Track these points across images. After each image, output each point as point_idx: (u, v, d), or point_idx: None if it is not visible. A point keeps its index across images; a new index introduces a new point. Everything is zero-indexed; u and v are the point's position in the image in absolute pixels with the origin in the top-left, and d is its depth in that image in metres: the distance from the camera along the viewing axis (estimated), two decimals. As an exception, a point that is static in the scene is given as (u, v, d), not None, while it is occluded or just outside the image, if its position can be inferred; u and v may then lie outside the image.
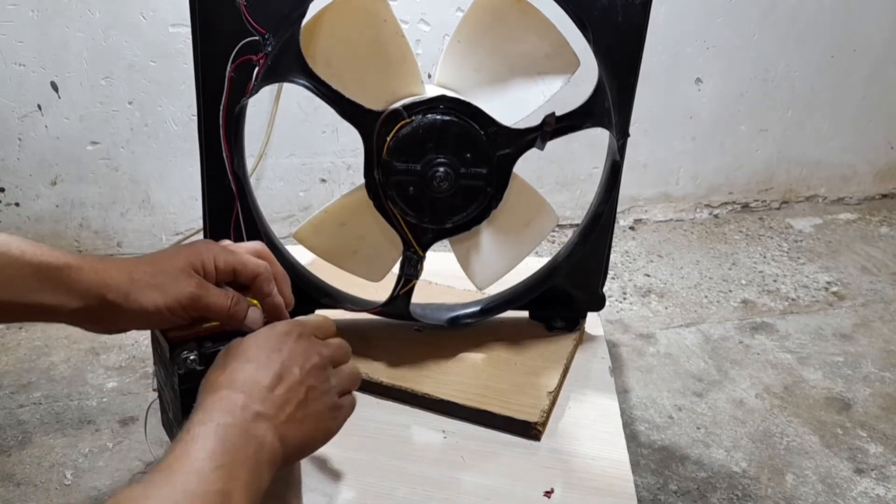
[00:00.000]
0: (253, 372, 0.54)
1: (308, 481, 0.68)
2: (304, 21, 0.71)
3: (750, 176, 1.65)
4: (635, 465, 0.92)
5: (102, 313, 0.57)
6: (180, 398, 0.62)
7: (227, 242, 0.65)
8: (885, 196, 1.77)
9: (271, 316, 0.64)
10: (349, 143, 1.37)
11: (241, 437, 0.50)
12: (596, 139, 0.85)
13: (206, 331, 0.63)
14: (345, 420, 0.60)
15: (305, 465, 0.69)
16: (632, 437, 0.97)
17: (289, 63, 0.71)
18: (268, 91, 1.07)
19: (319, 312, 0.85)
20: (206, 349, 0.62)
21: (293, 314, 0.78)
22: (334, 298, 0.84)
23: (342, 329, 0.86)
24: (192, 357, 0.61)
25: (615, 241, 0.97)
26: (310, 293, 0.83)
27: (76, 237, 1.33)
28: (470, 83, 0.77)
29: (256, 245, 0.66)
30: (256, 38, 0.69)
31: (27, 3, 1.16)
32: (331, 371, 0.59)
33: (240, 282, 0.63)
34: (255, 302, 0.64)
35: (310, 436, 0.57)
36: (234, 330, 0.63)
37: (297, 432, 0.55)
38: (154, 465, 0.47)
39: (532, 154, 0.78)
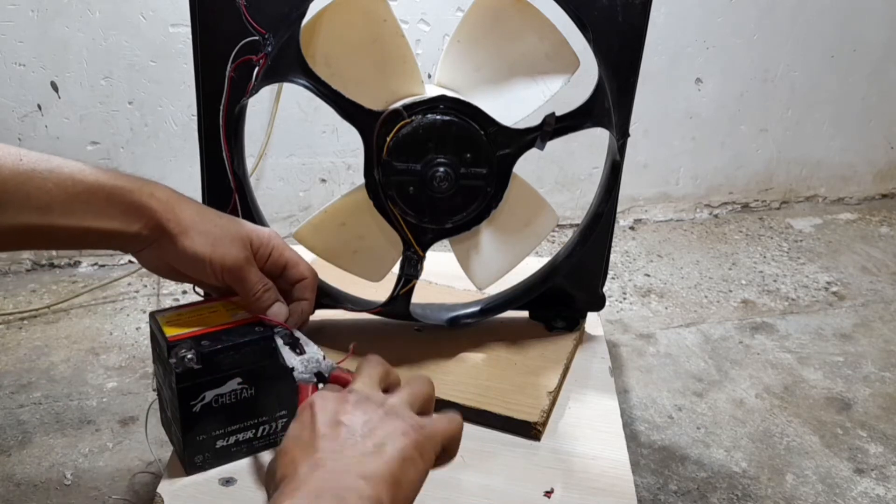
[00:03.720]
0: (328, 441, 0.46)
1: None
2: (304, 21, 0.71)
3: (750, 176, 1.65)
4: (635, 465, 0.92)
5: (157, 241, 0.60)
6: (178, 397, 0.62)
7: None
8: (885, 196, 1.77)
9: (295, 323, 0.66)
10: (349, 143, 1.37)
11: None
12: (596, 139, 0.85)
13: (205, 330, 0.63)
14: (444, 438, 0.53)
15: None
16: (632, 437, 0.97)
17: (289, 63, 0.71)
18: (268, 91, 1.07)
19: (319, 312, 0.85)
20: (203, 348, 0.62)
21: None
22: (334, 298, 0.84)
23: (342, 329, 0.86)
24: (189, 356, 0.61)
25: (615, 241, 0.97)
26: (310, 293, 0.83)
27: (76, 237, 1.33)
28: (470, 83, 0.77)
29: (309, 265, 0.69)
30: (256, 38, 0.69)
31: (27, 3, 1.16)
32: (383, 395, 0.52)
33: (285, 280, 0.66)
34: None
35: (396, 459, 0.48)
36: (230, 328, 0.63)
37: (378, 461, 0.46)
38: None
39: (532, 154, 0.78)
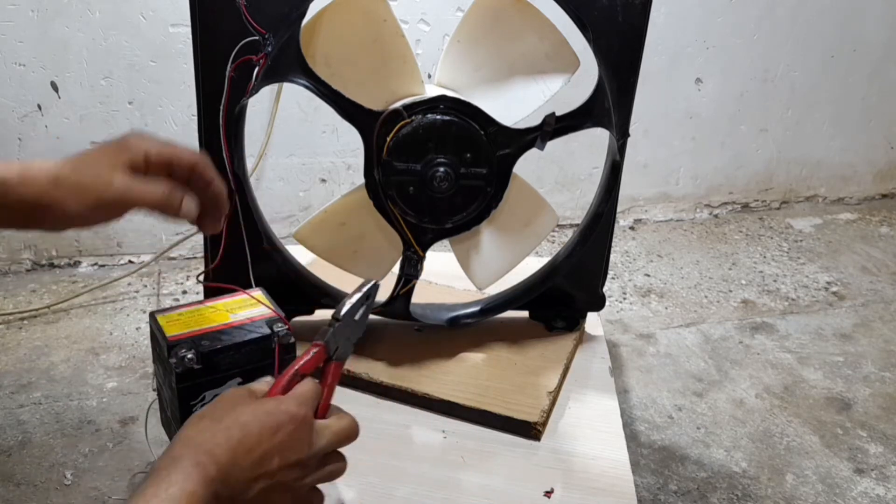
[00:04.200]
0: (236, 443, 0.50)
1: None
2: (304, 21, 0.71)
3: (750, 176, 1.65)
4: (635, 465, 0.92)
5: (37, 217, 0.56)
6: (178, 396, 0.62)
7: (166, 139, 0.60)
8: (885, 196, 1.77)
9: (214, 207, 0.61)
10: (349, 143, 1.37)
11: None
12: (596, 139, 0.85)
13: (205, 330, 0.64)
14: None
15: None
16: (632, 437, 0.97)
17: (289, 63, 0.71)
18: (268, 91, 1.07)
19: (319, 312, 0.85)
20: (203, 348, 0.62)
21: (290, 315, 0.78)
22: (334, 298, 0.84)
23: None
24: (189, 356, 0.61)
25: (615, 241, 0.97)
26: (310, 293, 0.83)
27: (76, 237, 1.33)
28: (470, 83, 0.77)
29: (189, 149, 0.61)
30: (256, 38, 0.69)
31: (27, 3, 1.16)
32: (313, 467, 0.54)
33: (176, 175, 0.59)
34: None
35: None
36: (230, 328, 0.63)
37: None
38: None
39: (532, 154, 0.78)
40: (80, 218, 0.56)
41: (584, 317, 0.90)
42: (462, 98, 0.74)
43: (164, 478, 0.46)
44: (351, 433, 0.56)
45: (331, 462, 0.55)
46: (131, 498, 0.46)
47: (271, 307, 0.69)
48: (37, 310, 1.21)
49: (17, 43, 1.18)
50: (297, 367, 0.54)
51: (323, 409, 0.55)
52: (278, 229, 0.82)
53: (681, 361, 1.14)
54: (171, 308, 0.67)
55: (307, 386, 0.54)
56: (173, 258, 1.37)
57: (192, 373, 0.61)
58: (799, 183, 1.70)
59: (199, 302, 0.69)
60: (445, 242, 0.81)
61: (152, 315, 0.66)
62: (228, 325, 0.65)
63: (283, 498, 0.52)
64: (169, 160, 0.58)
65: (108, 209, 0.56)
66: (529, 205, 0.82)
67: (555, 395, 0.78)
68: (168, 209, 0.58)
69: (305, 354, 0.55)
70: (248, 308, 0.68)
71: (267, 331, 0.65)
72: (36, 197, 0.55)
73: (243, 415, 0.51)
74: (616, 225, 0.88)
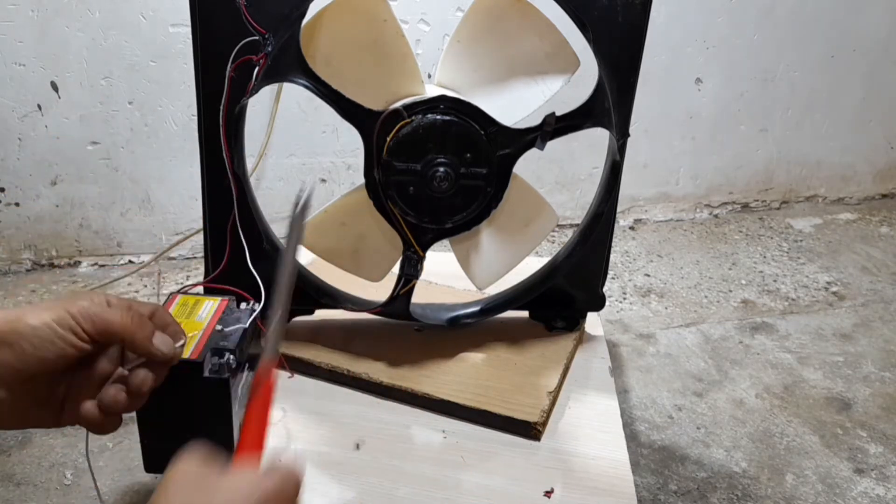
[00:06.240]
0: None
1: (308, 481, 0.67)
2: (304, 21, 0.71)
3: (750, 176, 1.65)
4: (635, 465, 0.92)
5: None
6: (217, 402, 0.62)
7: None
8: (885, 196, 1.77)
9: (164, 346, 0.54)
10: (349, 143, 1.37)
11: None
12: (596, 139, 0.85)
13: (206, 332, 0.63)
14: None
15: (305, 465, 0.69)
16: (632, 437, 0.97)
17: (289, 63, 0.71)
18: (268, 91, 1.07)
19: (319, 312, 0.85)
20: (223, 349, 0.62)
21: (290, 315, 0.78)
22: (334, 298, 0.84)
23: (342, 329, 0.86)
24: (222, 361, 0.61)
25: (615, 241, 0.97)
26: (310, 293, 0.83)
27: (76, 237, 1.33)
28: (470, 83, 0.77)
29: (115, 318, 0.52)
30: (256, 37, 0.69)
31: (27, 3, 1.16)
32: None
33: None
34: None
35: None
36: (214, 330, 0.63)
37: None
38: None
39: (532, 154, 0.78)
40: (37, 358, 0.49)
41: (584, 317, 0.90)
42: (462, 98, 0.74)
43: None
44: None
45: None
46: None
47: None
48: (37, 310, 1.20)
49: (17, 43, 1.18)
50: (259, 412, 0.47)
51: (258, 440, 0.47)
52: (278, 229, 0.82)
53: (681, 361, 1.14)
54: None
55: (289, 462, 0.46)
56: (173, 258, 1.37)
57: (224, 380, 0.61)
58: (799, 183, 1.70)
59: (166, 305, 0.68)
60: (445, 242, 0.81)
61: None
62: (216, 319, 0.65)
63: None
64: (104, 330, 0.51)
65: (76, 333, 0.50)
66: (529, 205, 0.82)
67: (555, 395, 0.78)
68: (136, 339, 0.52)
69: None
70: (199, 307, 0.68)
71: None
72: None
73: (212, 501, 0.41)
74: (616, 225, 0.88)
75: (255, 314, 0.66)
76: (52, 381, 0.52)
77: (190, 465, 0.44)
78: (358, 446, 0.72)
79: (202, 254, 0.81)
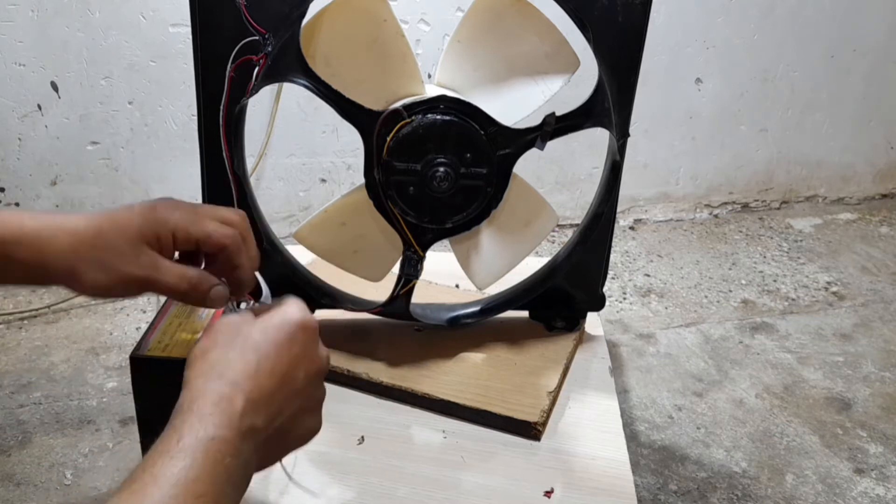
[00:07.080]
0: (256, 366, 0.46)
1: (307, 481, 0.67)
2: (304, 21, 0.71)
3: (750, 176, 1.65)
4: (635, 465, 0.92)
5: (50, 284, 0.53)
6: None
7: (201, 207, 0.56)
8: (885, 196, 1.77)
9: (235, 290, 0.57)
10: (349, 143, 1.37)
11: (232, 458, 0.42)
12: (596, 139, 0.85)
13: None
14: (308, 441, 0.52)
15: (305, 465, 0.69)
16: (632, 437, 0.97)
17: (289, 63, 0.71)
18: (268, 91, 1.07)
19: (319, 313, 0.85)
20: None
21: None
22: (334, 298, 0.84)
23: (342, 329, 0.86)
24: None
25: (615, 241, 0.97)
26: (310, 293, 0.83)
27: (76, 237, 1.33)
28: (470, 83, 0.77)
29: (232, 213, 0.57)
30: (256, 37, 0.69)
31: (27, 3, 1.16)
32: (324, 374, 0.52)
33: (207, 255, 0.56)
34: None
35: (278, 456, 0.50)
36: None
37: (273, 450, 0.49)
38: (134, 472, 0.40)
39: (532, 154, 0.78)
40: (98, 290, 0.53)
41: (583, 317, 0.90)
42: (462, 98, 0.74)
43: (176, 428, 0.42)
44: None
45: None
46: (140, 464, 0.41)
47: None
48: (37, 310, 1.21)
49: (17, 43, 1.18)
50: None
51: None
52: (278, 229, 0.82)
53: (681, 361, 1.14)
54: (143, 342, 0.64)
55: (291, 296, 0.51)
56: (173, 258, 1.37)
57: None
58: (799, 183, 1.70)
59: (153, 323, 0.66)
60: (445, 242, 0.81)
61: (136, 358, 0.62)
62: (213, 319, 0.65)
63: (312, 418, 0.50)
64: (197, 243, 0.54)
65: (128, 287, 0.53)
66: (529, 205, 0.82)
67: (555, 395, 0.78)
68: (191, 299, 0.55)
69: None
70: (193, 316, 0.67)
71: None
72: (54, 263, 0.51)
73: (251, 336, 0.47)
74: (616, 225, 0.88)
75: None
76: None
77: (232, 315, 0.50)
78: (363, 439, 0.73)
79: (202, 254, 0.81)
